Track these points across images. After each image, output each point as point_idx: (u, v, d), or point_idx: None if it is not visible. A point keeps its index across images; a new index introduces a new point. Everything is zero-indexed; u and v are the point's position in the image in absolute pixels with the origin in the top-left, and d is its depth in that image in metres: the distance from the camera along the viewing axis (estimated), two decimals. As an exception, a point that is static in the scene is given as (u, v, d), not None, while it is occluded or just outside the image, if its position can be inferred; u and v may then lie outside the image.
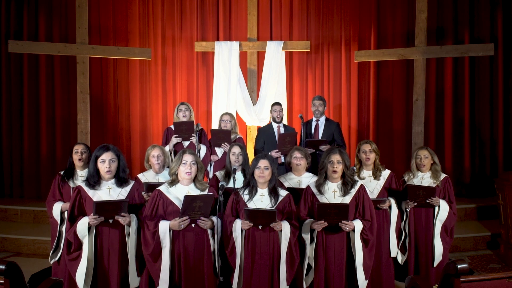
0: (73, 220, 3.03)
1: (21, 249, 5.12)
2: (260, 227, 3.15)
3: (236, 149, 3.83)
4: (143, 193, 3.64)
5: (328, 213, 3.08)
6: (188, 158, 3.12)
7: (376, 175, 3.84)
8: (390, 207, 3.80)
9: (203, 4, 6.79)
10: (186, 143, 4.81)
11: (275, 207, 3.18)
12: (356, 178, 3.57)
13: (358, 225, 3.17)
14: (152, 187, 3.60)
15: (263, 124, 6.04)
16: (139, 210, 3.18)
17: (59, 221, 3.66)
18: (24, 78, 6.62)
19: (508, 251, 4.82)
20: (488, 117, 6.65)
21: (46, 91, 6.65)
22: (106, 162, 3.06)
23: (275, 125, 5.13)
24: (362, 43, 6.73)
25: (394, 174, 3.91)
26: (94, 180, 3.09)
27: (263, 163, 3.21)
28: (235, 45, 6.37)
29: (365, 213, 3.25)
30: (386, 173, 3.88)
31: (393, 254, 3.81)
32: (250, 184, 3.25)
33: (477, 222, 5.70)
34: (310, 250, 3.21)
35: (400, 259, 3.87)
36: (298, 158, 3.78)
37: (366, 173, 3.87)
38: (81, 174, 3.77)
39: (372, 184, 3.82)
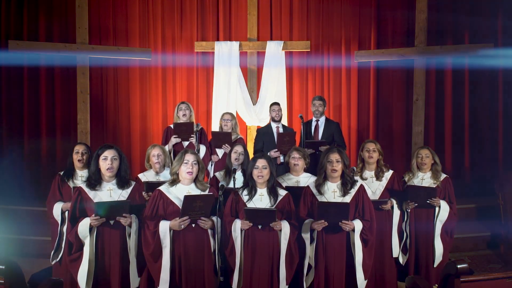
0: (74, 221, 3.03)
1: (21, 249, 5.11)
2: (259, 226, 3.15)
3: (239, 148, 3.84)
4: (143, 193, 3.64)
5: (329, 212, 3.08)
6: (190, 157, 3.12)
7: (378, 176, 3.84)
8: (392, 207, 3.81)
9: (203, 4, 6.79)
10: (185, 143, 4.82)
11: (274, 206, 3.18)
12: (357, 178, 3.57)
13: (358, 225, 3.18)
14: (152, 186, 3.60)
15: (263, 124, 6.04)
16: (140, 211, 3.18)
17: (59, 221, 3.66)
18: (24, 78, 6.61)
19: (508, 251, 4.82)
20: (488, 117, 6.64)
21: (46, 91, 6.64)
22: (108, 159, 3.06)
23: (274, 125, 5.13)
24: (362, 43, 6.73)
25: (396, 175, 3.91)
26: (95, 178, 3.08)
27: (261, 162, 3.22)
28: (235, 45, 6.37)
29: (364, 213, 3.25)
30: (388, 174, 3.88)
31: (394, 255, 3.81)
32: (249, 185, 3.26)
33: (477, 222, 5.69)
34: (310, 250, 3.21)
35: (401, 259, 3.87)
36: (296, 159, 3.79)
37: (369, 173, 3.87)
38: (81, 174, 3.77)
39: (375, 185, 3.82)
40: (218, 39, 6.71)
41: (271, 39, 6.68)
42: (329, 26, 6.77)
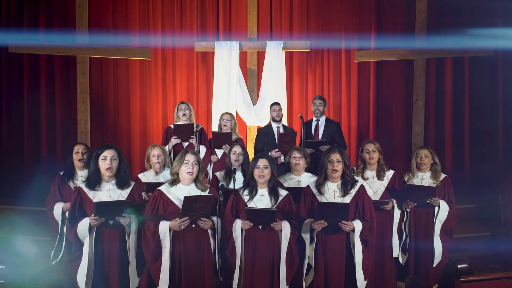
0: (73, 221, 3.03)
1: (21, 249, 5.11)
2: (260, 227, 3.16)
3: (237, 149, 3.84)
4: (143, 193, 3.64)
5: (329, 212, 3.08)
6: (190, 158, 3.12)
7: (380, 175, 3.84)
8: (393, 207, 3.81)
9: (203, 4, 6.79)
10: (185, 144, 4.82)
11: (275, 206, 3.18)
12: (358, 178, 3.57)
13: (358, 225, 3.18)
14: (152, 187, 3.60)
15: (263, 124, 6.03)
16: (140, 211, 3.17)
17: (60, 222, 3.67)
18: (24, 78, 6.61)
19: (508, 251, 4.82)
20: (488, 116, 6.64)
21: (46, 91, 6.65)
22: (107, 159, 3.06)
23: (274, 125, 5.13)
24: (362, 43, 6.73)
25: (397, 175, 3.91)
26: (95, 178, 3.08)
27: (262, 162, 3.22)
28: (235, 45, 6.37)
29: (364, 213, 3.25)
30: (389, 173, 3.88)
31: (394, 255, 3.81)
32: (250, 185, 3.26)
33: (477, 222, 5.69)
34: (310, 250, 3.21)
35: (401, 259, 3.87)
36: (297, 158, 3.80)
37: (370, 173, 3.87)
38: (81, 174, 3.77)
39: (376, 185, 3.82)
40: (218, 39, 6.71)
41: (271, 39, 6.68)
42: (329, 26, 6.77)
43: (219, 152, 4.88)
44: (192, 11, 6.80)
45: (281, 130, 5.09)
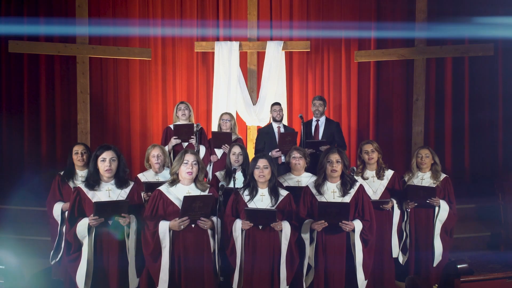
0: (72, 221, 3.03)
1: (21, 249, 5.11)
2: (260, 227, 3.15)
3: (236, 149, 3.84)
4: (142, 193, 3.64)
5: (329, 212, 3.08)
6: (190, 158, 3.12)
7: (379, 175, 3.85)
8: (392, 207, 3.81)
9: (203, 4, 6.79)
10: (185, 144, 4.82)
11: (275, 207, 3.18)
12: (357, 177, 3.57)
13: (358, 225, 3.18)
14: (151, 187, 3.60)
15: (263, 124, 6.04)
16: (139, 211, 3.17)
17: (59, 222, 3.67)
18: (24, 78, 6.61)
19: (508, 251, 4.82)
20: (488, 117, 6.64)
21: (46, 91, 6.65)
22: (106, 160, 3.06)
23: (275, 125, 5.13)
24: (362, 43, 6.73)
25: (397, 175, 3.91)
26: (94, 179, 3.08)
27: (262, 162, 3.22)
28: (235, 45, 6.37)
29: (364, 213, 3.25)
30: (389, 173, 3.88)
31: (394, 255, 3.81)
32: (251, 185, 3.26)
33: (477, 222, 5.69)
34: (310, 250, 3.21)
35: (401, 259, 3.87)
36: (297, 158, 3.81)
37: (370, 173, 3.87)
38: (81, 174, 3.77)
39: (376, 184, 3.82)
40: (218, 39, 6.72)
41: (271, 39, 6.68)
42: (329, 26, 6.77)
43: (218, 152, 4.88)
44: (192, 11, 6.81)
45: (282, 130, 5.09)
